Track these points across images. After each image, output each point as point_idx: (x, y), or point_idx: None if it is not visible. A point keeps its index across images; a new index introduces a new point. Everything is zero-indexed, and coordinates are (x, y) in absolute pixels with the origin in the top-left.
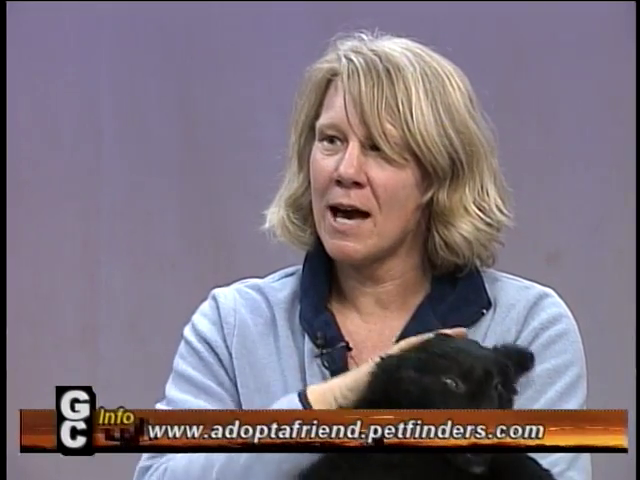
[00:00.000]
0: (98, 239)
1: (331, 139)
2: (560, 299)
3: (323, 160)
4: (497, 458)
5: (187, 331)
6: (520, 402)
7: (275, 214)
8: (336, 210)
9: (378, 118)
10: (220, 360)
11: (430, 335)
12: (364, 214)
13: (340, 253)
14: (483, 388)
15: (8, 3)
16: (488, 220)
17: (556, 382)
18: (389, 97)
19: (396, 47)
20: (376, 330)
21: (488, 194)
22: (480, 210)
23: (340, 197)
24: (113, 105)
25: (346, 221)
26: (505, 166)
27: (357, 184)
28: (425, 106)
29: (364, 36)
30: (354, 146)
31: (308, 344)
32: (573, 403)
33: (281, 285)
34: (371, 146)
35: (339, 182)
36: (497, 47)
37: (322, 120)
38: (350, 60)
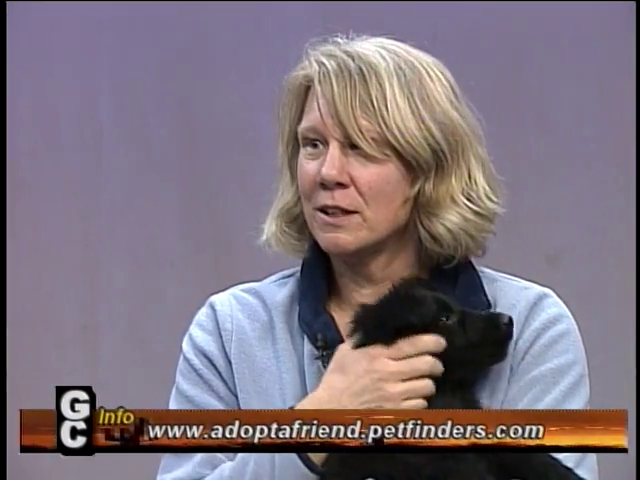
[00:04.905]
0: (98, 239)
1: (314, 144)
2: (559, 299)
3: (307, 164)
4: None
5: (185, 345)
6: (524, 402)
7: (269, 226)
8: (324, 211)
9: (353, 116)
10: (219, 372)
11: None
12: (351, 211)
13: (333, 245)
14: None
15: (8, 3)
16: (476, 209)
17: (560, 382)
18: (363, 95)
19: (370, 46)
20: None
21: (476, 183)
22: (468, 199)
23: (324, 199)
24: (113, 105)
25: (336, 215)
26: (505, 166)
27: (340, 185)
28: (401, 100)
29: (339, 39)
30: (334, 147)
31: (307, 346)
32: (577, 402)
33: (279, 287)
34: (351, 145)
35: (323, 185)
36: (497, 47)
37: (302, 124)
38: (322, 64)
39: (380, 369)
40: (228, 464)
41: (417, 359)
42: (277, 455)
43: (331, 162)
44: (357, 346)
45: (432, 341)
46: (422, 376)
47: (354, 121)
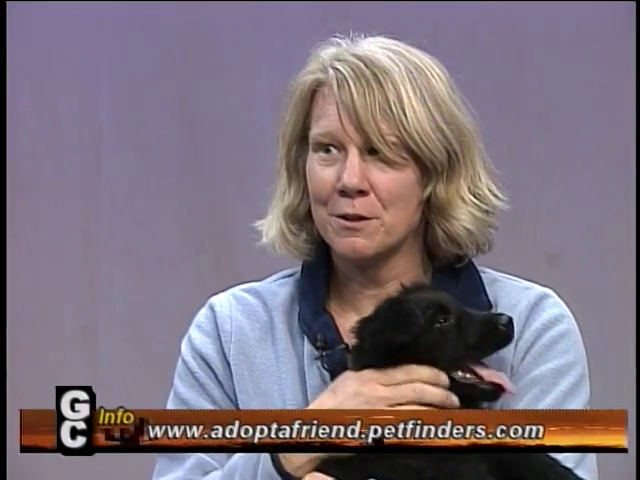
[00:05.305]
0: (98, 239)
1: (327, 149)
2: (560, 299)
3: (322, 171)
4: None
5: (183, 347)
6: (524, 402)
7: (272, 228)
8: (342, 217)
9: (374, 122)
10: (215, 375)
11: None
12: (370, 218)
13: (351, 250)
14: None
15: (8, 3)
16: (484, 207)
17: (560, 382)
18: (381, 101)
19: (376, 49)
20: None
21: (481, 180)
22: (475, 197)
23: (345, 207)
24: (113, 105)
25: (354, 221)
26: (505, 166)
27: (361, 192)
28: (416, 103)
29: (340, 41)
30: (354, 154)
31: (307, 346)
32: (577, 402)
33: (279, 287)
34: (369, 151)
35: (343, 192)
36: (497, 47)
37: (316, 130)
38: (336, 69)
39: (368, 393)
40: (217, 474)
41: (405, 386)
42: (259, 470)
43: (352, 170)
44: (357, 370)
45: (426, 373)
46: (409, 402)
47: (375, 126)
